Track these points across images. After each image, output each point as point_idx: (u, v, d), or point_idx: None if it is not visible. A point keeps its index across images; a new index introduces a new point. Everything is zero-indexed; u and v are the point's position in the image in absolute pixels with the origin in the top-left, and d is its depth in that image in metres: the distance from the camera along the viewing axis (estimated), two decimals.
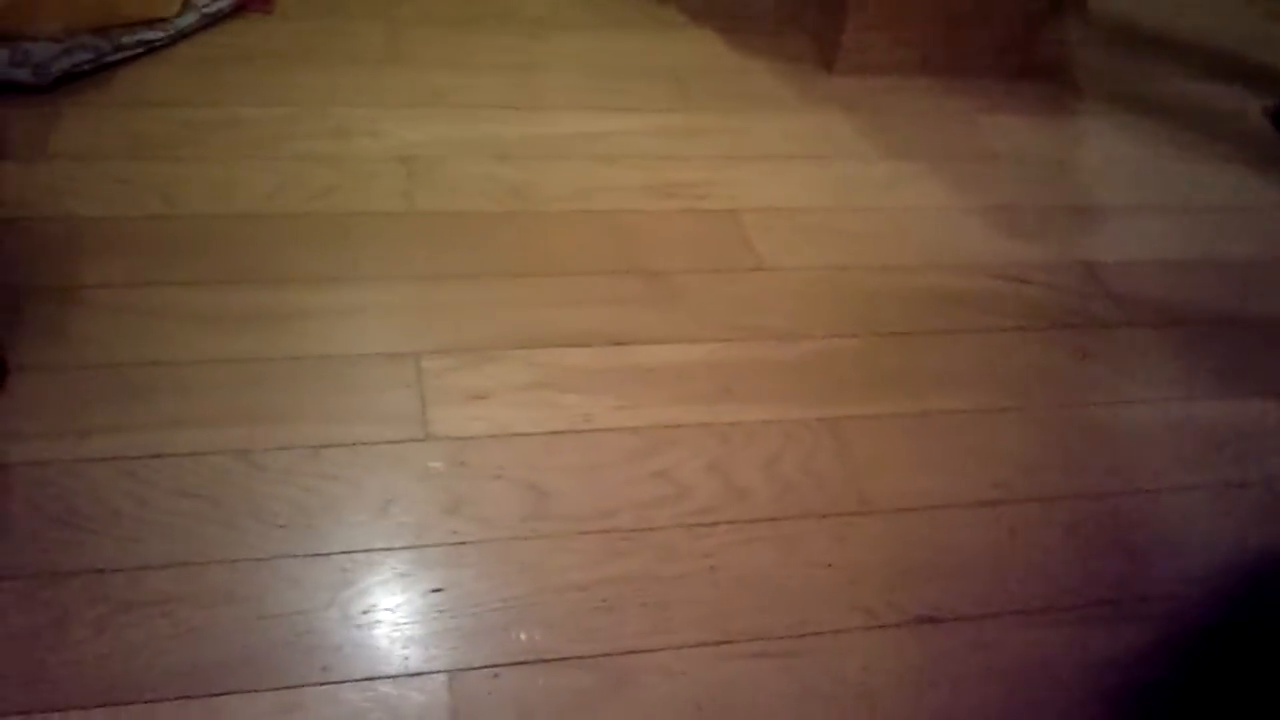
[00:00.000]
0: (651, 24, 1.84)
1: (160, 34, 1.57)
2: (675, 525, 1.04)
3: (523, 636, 0.94)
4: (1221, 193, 1.66)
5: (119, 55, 1.53)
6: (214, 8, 1.62)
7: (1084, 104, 1.81)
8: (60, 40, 1.47)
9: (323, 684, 0.89)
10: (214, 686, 0.88)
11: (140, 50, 1.55)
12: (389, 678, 0.90)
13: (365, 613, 0.94)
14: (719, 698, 0.91)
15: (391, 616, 0.94)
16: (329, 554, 0.98)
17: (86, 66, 1.49)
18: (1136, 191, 1.62)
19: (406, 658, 0.91)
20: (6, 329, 1.11)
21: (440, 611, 0.95)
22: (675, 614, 0.97)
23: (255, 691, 0.88)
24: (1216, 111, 1.86)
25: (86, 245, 1.26)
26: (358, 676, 0.90)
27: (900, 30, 1.75)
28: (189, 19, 1.58)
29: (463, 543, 1.00)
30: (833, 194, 1.50)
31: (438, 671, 0.91)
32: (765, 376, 1.21)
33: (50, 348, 1.12)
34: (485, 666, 0.91)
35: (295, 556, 0.97)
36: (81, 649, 0.89)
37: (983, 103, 1.76)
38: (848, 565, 1.03)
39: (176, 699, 0.87)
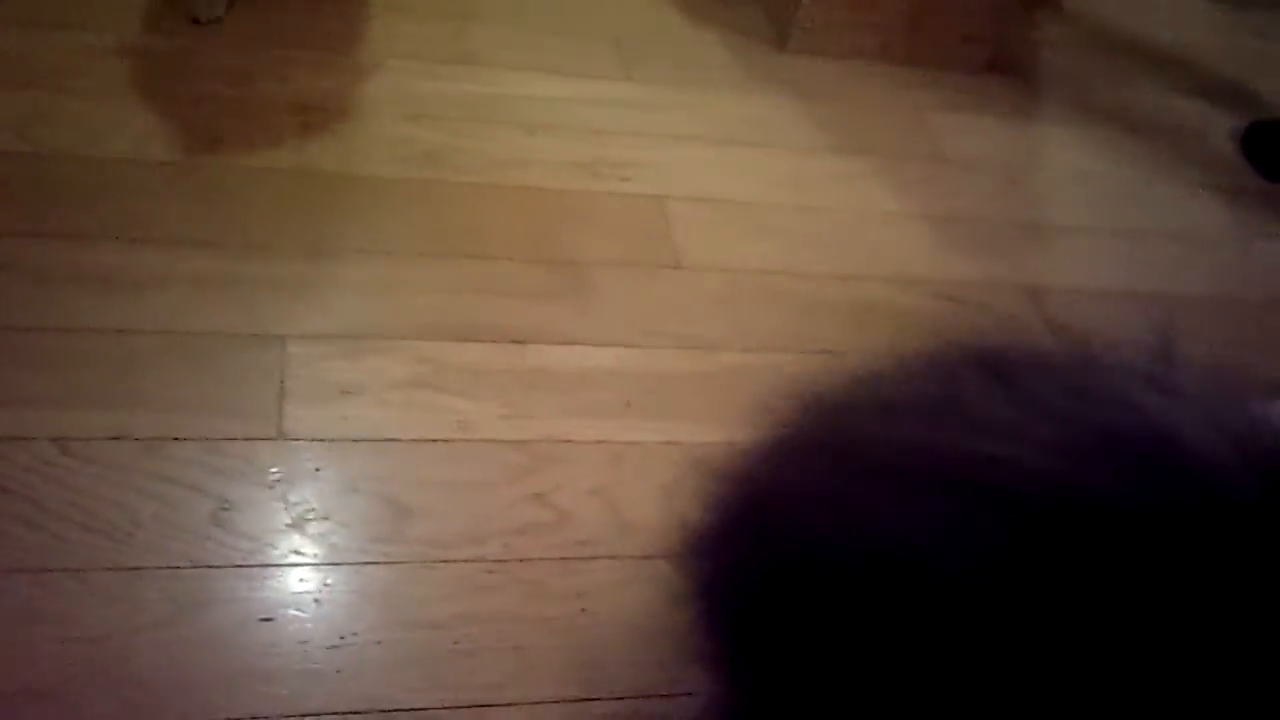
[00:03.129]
0: None
1: None
2: (548, 558, 0.94)
3: (359, 681, 0.83)
4: (1181, 221, 1.57)
5: None
6: None
7: (1047, 109, 1.71)
8: None
9: None
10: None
11: None
12: None
13: (182, 642, 0.83)
14: None
15: (210, 648, 0.83)
16: (151, 568, 0.86)
17: None
18: (1091, 212, 1.53)
19: (221, 701, 0.81)
20: None
21: (269, 646, 0.84)
22: (537, 661, 0.87)
23: None
24: (1185, 130, 1.77)
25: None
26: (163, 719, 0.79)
27: (860, 11, 1.63)
28: None
29: (304, 564, 0.89)
30: (768, 187, 1.39)
31: (254, 719, 0.80)
32: (671, 392, 1.11)
33: None
34: (311, 715, 0.81)
35: (112, 569, 0.86)
36: None
37: (941, 99, 1.65)
38: None
39: None
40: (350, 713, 0.81)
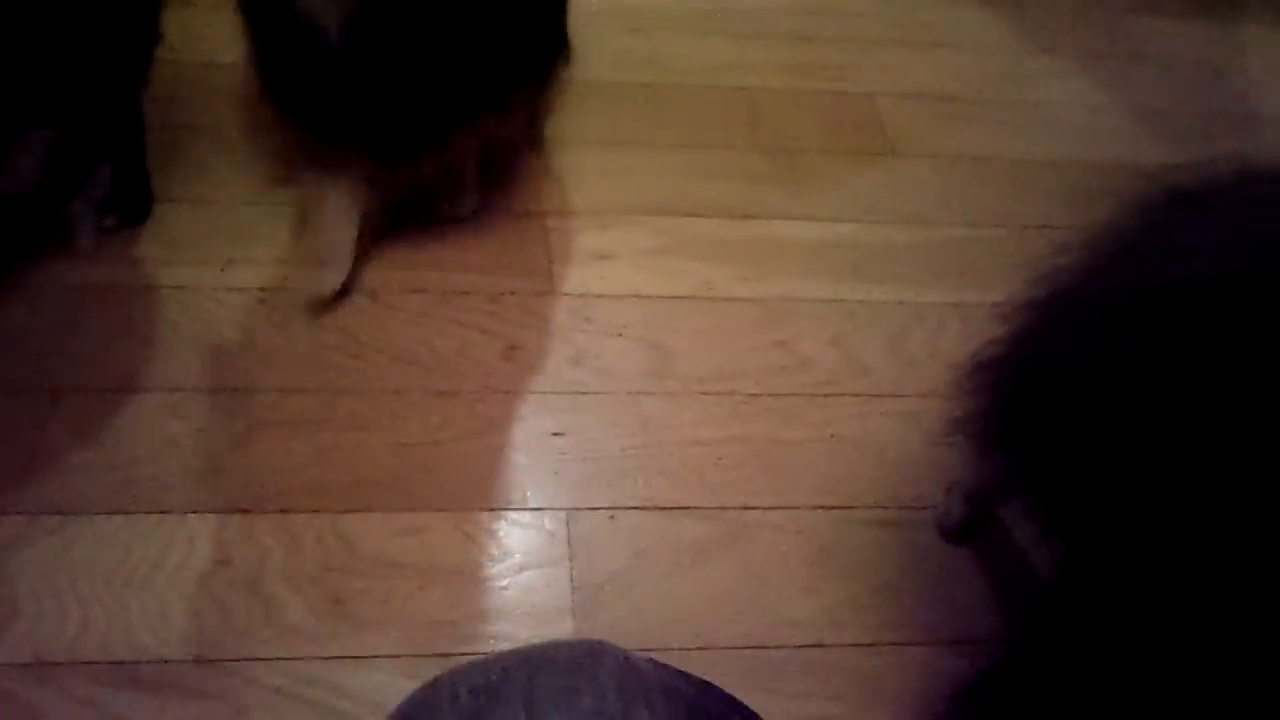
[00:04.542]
0: None
1: None
2: (796, 394, 1.04)
3: (640, 483, 0.95)
4: None
5: None
6: None
7: (1245, 9, 1.70)
8: None
9: (446, 510, 0.92)
10: (344, 504, 0.91)
11: None
12: (510, 510, 0.92)
13: (491, 449, 0.96)
14: (833, 557, 0.92)
15: (515, 454, 0.96)
16: (458, 391, 1.00)
17: None
18: None
19: (528, 494, 0.93)
20: (158, 164, 1.14)
21: (561, 454, 0.97)
22: (793, 476, 0.97)
23: (382, 511, 0.91)
24: None
25: (231, 89, 1.28)
26: (480, 507, 0.92)
27: None
28: None
29: (585, 392, 1.01)
30: (972, 85, 1.45)
31: (558, 509, 0.93)
32: (895, 260, 1.19)
33: (197, 183, 1.16)
34: (604, 508, 0.93)
35: (425, 392, 1.00)
36: (221, 460, 0.93)
37: (1138, 3, 1.66)
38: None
39: (307, 512, 0.91)
40: (634, 508, 0.93)
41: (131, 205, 1.10)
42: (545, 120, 1.29)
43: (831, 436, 1.01)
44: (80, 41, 0.93)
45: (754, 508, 0.95)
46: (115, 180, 1.10)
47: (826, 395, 1.04)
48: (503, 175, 1.21)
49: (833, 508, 0.95)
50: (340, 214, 1.06)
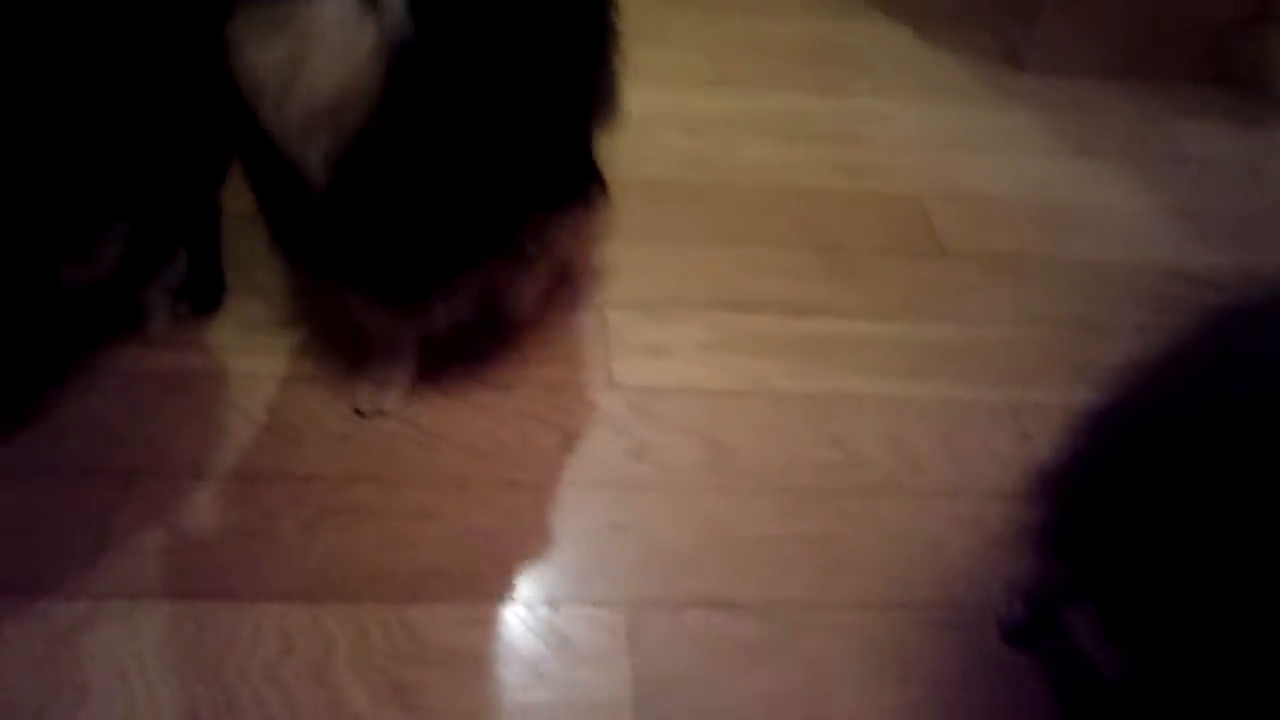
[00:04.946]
0: (840, 11, 1.85)
1: None
2: (851, 490, 1.05)
3: (701, 579, 0.95)
4: None
5: None
6: None
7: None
8: None
9: (508, 601, 0.93)
10: (408, 593, 0.92)
11: None
12: (571, 603, 0.93)
13: (553, 541, 0.97)
14: (894, 658, 0.92)
15: (577, 547, 0.97)
16: (520, 482, 1.02)
17: None
18: None
19: (589, 587, 0.94)
20: (231, 253, 1.17)
21: (623, 547, 0.97)
22: (852, 574, 0.98)
23: (447, 602, 0.92)
24: None
25: None
26: (541, 600, 0.93)
27: (1092, 31, 1.71)
28: None
29: (646, 486, 1.03)
30: (1018, 186, 1.48)
31: (618, 602, 0.93)
32: (946, 357, 1.20)
33: (267, 273, 1.19)
34: (664, 603, 0.93)
35: (489, 482, 1.01)
36: (287, 547, 0.95)
37: (1176, 107, 1.70)
38: None
39: (371, 601, 0.92)
40: (697, 604, 0.94)
41: (205, 294, 1.14)
42: (582, 254, 1.24)
43: (889, 535, 1.01)
44: (168, 140, 0.97)
45: (814, 606, 0.95)
46: (190, 269, 1.13)
47: (883, 493, 1.05)
48: (560, 270, 1.24)
49: (892, 607, 0.95)
50: (393, 344, 1.08)
